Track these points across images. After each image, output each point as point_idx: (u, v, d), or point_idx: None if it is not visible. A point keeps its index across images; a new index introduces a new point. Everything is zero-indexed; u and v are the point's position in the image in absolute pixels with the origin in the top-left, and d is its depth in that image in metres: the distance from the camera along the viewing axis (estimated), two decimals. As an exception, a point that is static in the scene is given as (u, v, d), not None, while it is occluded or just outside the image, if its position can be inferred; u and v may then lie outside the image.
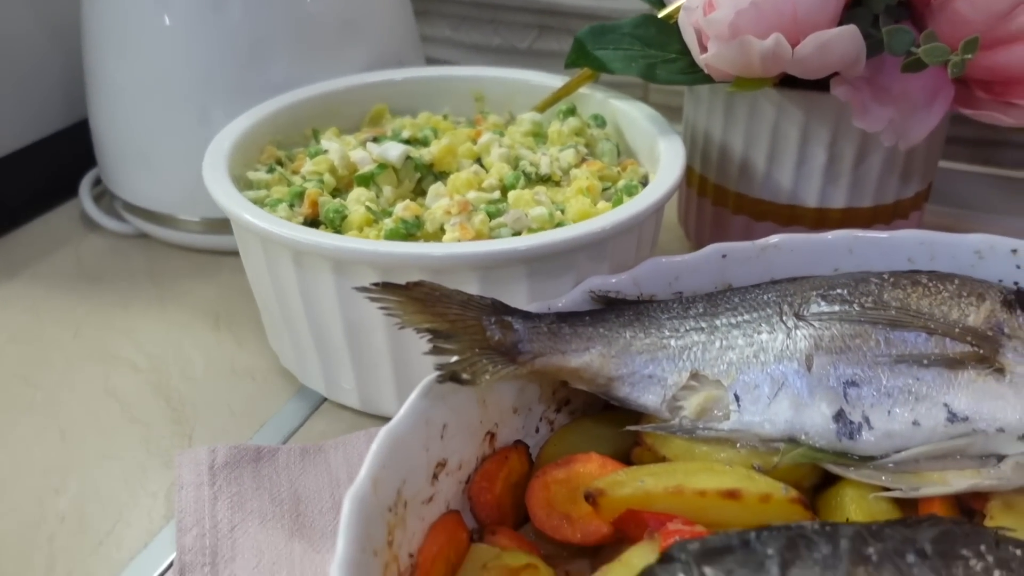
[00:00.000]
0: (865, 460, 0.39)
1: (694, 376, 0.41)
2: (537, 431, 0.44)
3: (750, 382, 0.40)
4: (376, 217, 0.48)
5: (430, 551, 0.36)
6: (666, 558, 0.31)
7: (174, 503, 0.44)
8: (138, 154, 0.66)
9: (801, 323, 0.41)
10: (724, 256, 0.46)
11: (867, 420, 0.39)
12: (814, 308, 0.41)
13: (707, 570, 0.30)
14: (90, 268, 0.67)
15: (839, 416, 0.39)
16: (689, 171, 0.62)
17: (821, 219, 0.56)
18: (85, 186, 0.74)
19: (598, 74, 0.58)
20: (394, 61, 0.67)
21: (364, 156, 0.52)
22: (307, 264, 0.45)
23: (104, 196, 0.74)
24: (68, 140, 0.75)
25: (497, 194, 0.50)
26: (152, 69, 0.62)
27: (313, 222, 0.49)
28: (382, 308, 0.38)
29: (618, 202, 0.49)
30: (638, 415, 0.42)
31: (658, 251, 0.50)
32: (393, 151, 0.51)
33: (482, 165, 0.54)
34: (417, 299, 0.38)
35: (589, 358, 0.41)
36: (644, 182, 0.52)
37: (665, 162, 0.50)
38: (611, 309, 0.43)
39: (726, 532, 0.32)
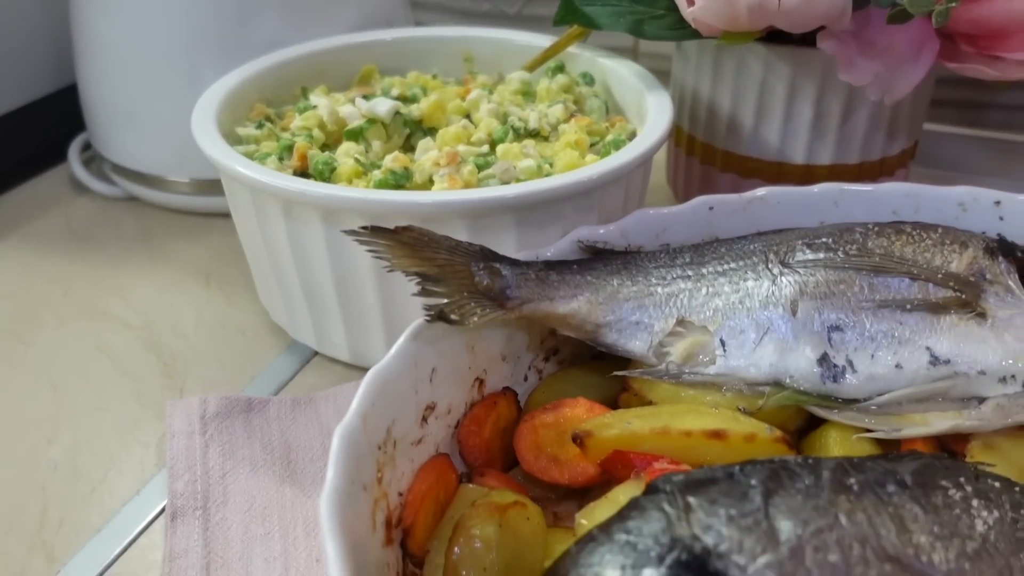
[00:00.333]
0: (848, 403, 0.39)
1: (680, 322, 0.41)
2: (526, 379, 0.44)
3: (736, 327, 0.41)
4: (365, 169, 0.48)
5: (419, 490, 0.36)
6: (651, 489, 0.31)
7: (166, 451, 0.45)
8: (127, 115, 0.66)
9: (786, 270, 0.42)
10: (711, 208, 0.46)
11: (851, 363, 0.39)
12: (799, 256, 0.42)
13: (691, 500, 0.30)
14: (80, 230, 0.67)
15: (823, 360, 0.40)
16: (677, 130, 0.62)
17: (808, 176, 0.57)
18: (74, 150, 0.74)
19: (587, 32, 0.58)
20: (383, 22, 0.67)
21: (353, 112, 0.52)
22: (296, 214, 0.45)
23: (93, 161, 0.74)
24: (57, 104, 0.75)
25: (486, 148, 0.50)
26: (140, 29, 0.62)
27: (302, 175, 0.49)
28: (371, 251, 0.38)
29: (606, 155, 0.49)
30: (625, 362, 0.42)
31: (646, 208, 0.50)
32: (382, 106, 0.52)
33: (471, 121, 0.54)
34: (406, 243, 0.38)
35: (577, 305, 0.41)
36: (632, 138, 0.52)
37: (653, 115, 0.50)
38: (599, 258, 0.44)
39: (711, 466, 0.32)
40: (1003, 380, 0.39)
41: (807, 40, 0.51)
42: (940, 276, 0.40)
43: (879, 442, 0.38)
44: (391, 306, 0.47)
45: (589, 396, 0.41)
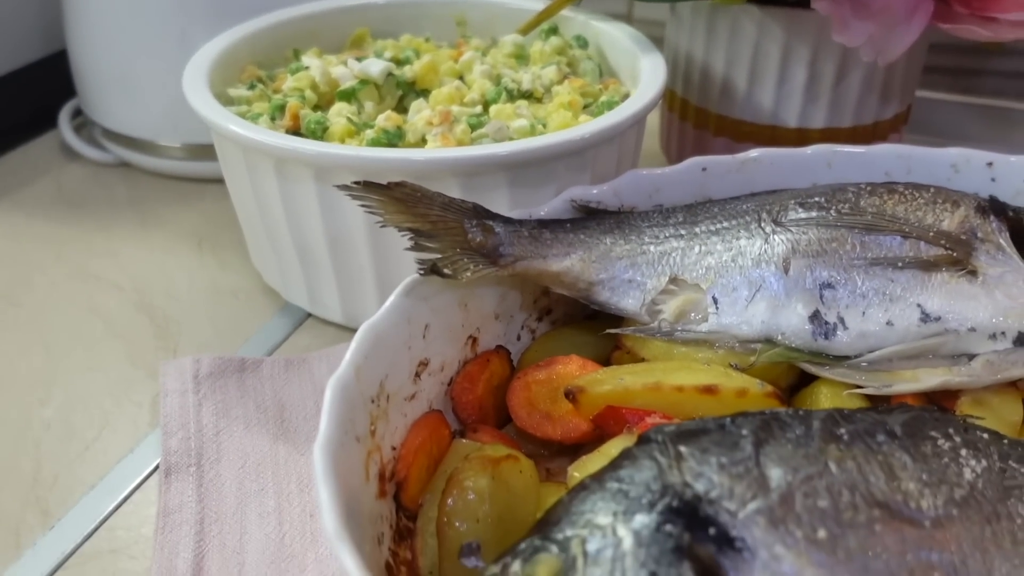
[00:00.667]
0: (839, 359, 0.40)
1: (673, 280, 0.41)
2: (519, 339, 0.44)
3: (728, 285, 0.41)
4: (358, 128, 0.48)
5: (413, 444, 0.36)
6: (643, 439, 0.31)
7: (160, 409, 0.45)
8: (118, 79, 0.65)
9: (779, 228, 0.42)
10: (704, 169, 0.46)
11: (842, 320, 0.40)
12: (792, 215, 0.42)
13: (682, 449, 0.30)
14: (71, 196, 0.67)
15: (815, 317, 0.40)
16: (671, 95, 0.62)
17: (801, 140, 0.57)
18: (65, 116, 0.73)
19: (580, -6, 0.58)
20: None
21: (346, 72, 0.52)
22: (289, 173, 0.45)
23: (84, 127, 0.73)
24: (47, 70, 0.74)
25: (479, 108, 0.50)
26: (130, -9, 0.62)
27: (295, 135, 0.49)
28: (363, 207, 0.38)
29: (599, 116, 0.49)
30: (618, 321, 0.42)
31: (640, 170, 0.50)
32: (375, 67, 0.51)
33: (464, 83, 0.54)
34: (399, 199, 0.38)
35: (570, 263, 0.41)
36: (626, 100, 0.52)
37: (647, 76, 0.50)
38: (592, 217, 0.44)
39: (702, 418, 0.33)
40: (993, 337, 0.39)
41: (801, 2, 0.50)
42: (932, 234, 0.41)
43: (869, 398, 0.39)
44: (384, 267, 0.47)
45: (582, 355, 0.41)
